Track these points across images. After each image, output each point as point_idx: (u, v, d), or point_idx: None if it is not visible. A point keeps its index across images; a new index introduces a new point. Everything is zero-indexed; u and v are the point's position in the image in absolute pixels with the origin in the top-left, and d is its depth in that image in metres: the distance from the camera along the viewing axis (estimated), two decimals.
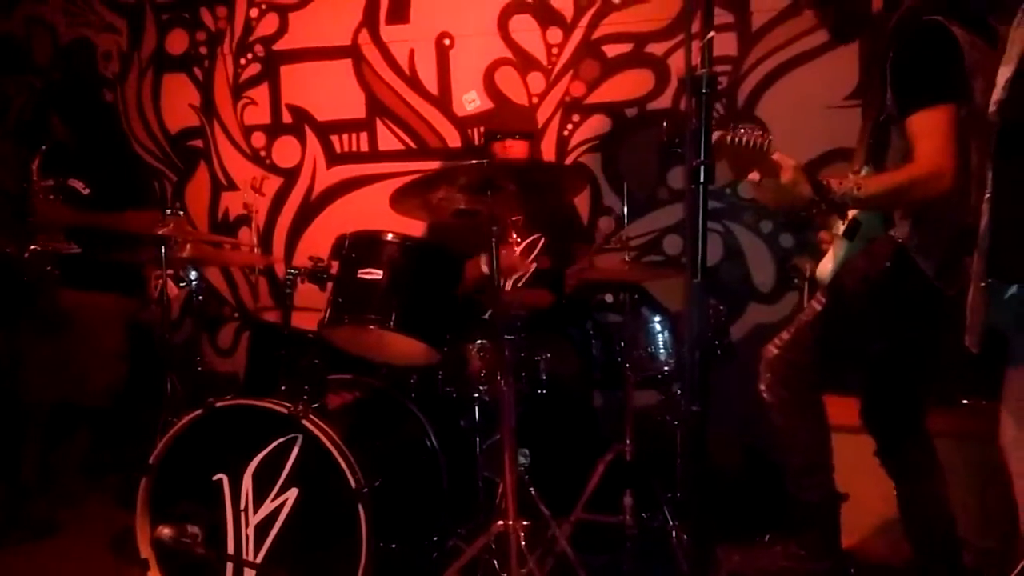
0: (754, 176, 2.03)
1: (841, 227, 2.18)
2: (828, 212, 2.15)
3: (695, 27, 1.45)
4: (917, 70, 1.99)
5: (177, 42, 4.18)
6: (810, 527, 2.29)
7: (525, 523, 2.21)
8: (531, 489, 2.52)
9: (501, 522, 2.20)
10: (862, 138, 2.20)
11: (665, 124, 1.62)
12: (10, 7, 4.37)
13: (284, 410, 2.17)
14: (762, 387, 2.30)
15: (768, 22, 3.54)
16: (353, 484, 2.09)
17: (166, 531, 2.05)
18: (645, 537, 2.66)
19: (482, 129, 3.77)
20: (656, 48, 3.66)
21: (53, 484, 3.44)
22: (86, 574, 2.71)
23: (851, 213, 2.14)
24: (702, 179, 1.36)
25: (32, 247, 3.19)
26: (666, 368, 2.80)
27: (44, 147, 3.31)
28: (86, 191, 3.38)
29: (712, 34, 1.41)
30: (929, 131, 1.92)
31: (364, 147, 4.02)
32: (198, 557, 2.10)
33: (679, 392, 2.73)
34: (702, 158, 1.36)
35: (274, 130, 4.11)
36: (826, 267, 2.23)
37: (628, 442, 2.70)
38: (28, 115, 4.26)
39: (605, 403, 3.23)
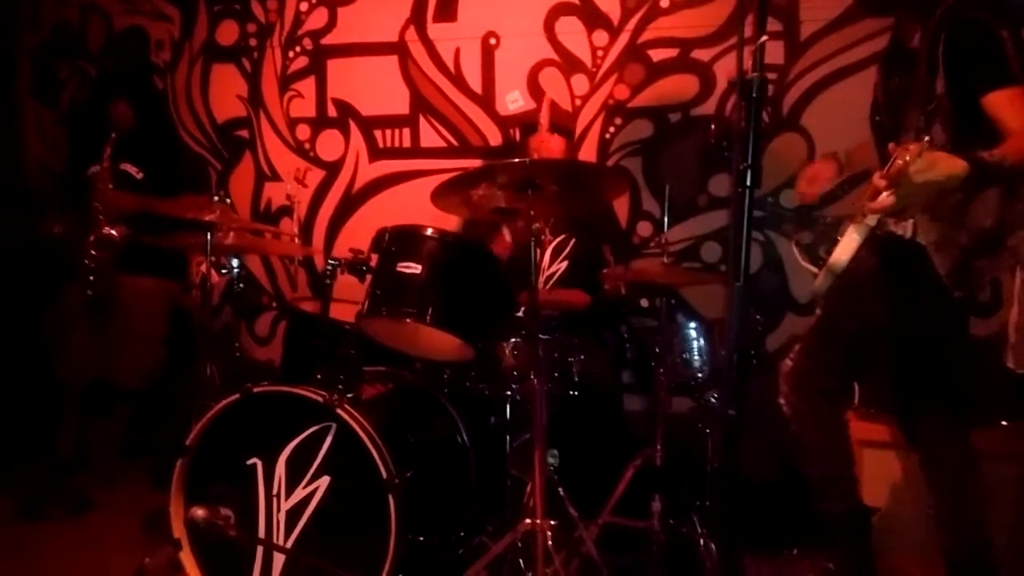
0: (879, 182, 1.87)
1: (870, 222, 2.14)
2: (978, 187, 2.01)
3: (745, 32, 1.44)
4: (984, 53, 1.95)
5: (228, 33, 4.24)
6: (837, 540, 2.27)
7: (552, 523, 2.21)
8: (559, 489, 2.51)
9: (528, 521, 2.20)
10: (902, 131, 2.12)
11: (713, 126, 1.62)
12: None
13: (319, 398, 2.19)
14: (781, 400, 2.30)
15: (816, 32, 3.52)
16: (384, 475, 2.10)
17: (199, 512, 2.08)
18: (672, 543, 2.64)
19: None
20: (702, 54, 3.64)
21: (90, 462, 3.52)
22: (120, 551, 2.75)
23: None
24: (748, 182, 1.35)
25: (100, 232, 3.25)
26: (699, 375, 2.79)
27: (114, 134, 3.36)
28: (139, 176, 3.44)
29: (765, 38, 1.41)
30: (1018, 106, 1.89)
31: (406, 143, 4.05)
32: (230, 539, 2.12)
33: (712, 399, 2.72)
34: (749, 161, 1.36)
35: (319, 123, 4.16)
36: (840, 257, 2.20)
37: (659, 447, 2.69)
38: (82, 100, 4.36)
39: (636, 407, 3.22)
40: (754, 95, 1.40)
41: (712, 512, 2.54)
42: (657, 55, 3.71)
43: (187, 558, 2.28)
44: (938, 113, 2.01)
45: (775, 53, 3.51)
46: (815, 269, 2.29)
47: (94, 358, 3.42)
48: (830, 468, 2.27)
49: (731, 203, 1.42)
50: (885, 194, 1.69)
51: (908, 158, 1.60)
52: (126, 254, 3.37)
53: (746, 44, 1.43)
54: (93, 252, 3.30)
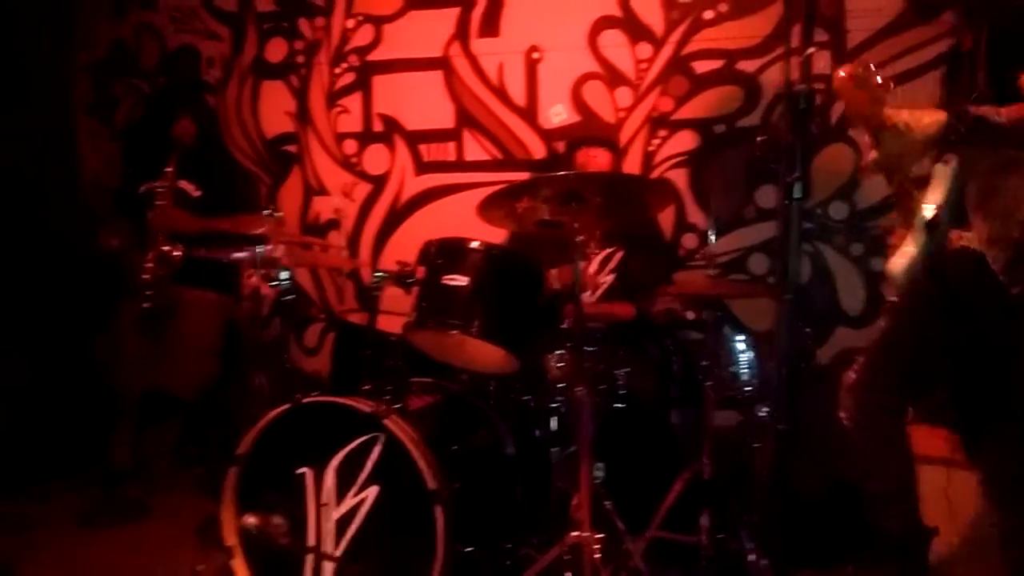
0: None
1: (927, 214, 2.10)
2: (962, 142, 2.02)
3: (791, 42, 1.44)
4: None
5: (276, 50, 4.33)
6: (894, 558, 2.22)
7: (599, 536, 2.21)
8: (606, 502, 2.51)
9: (575, 533, 2.20)
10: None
11: (760, 138, 1.61)
12: (123, 14, 4.60)
13: (367, 409, 2.22)
14: (842, 413, 2.26)
15: (863, 42, 3.48)
16: (432, 485, 2.12)
17: (251, 520, 2.12)
18: (721, 559, 2.61)
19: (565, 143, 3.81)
20: (747, 65, 3.63)
21: (145, 470, 3.60)
22: (173, 558, 2.81)
23: (935, 204, 2.05)
24: (797, 194, 1.35)
25: (160, 249, 3.34)
26: (748, 389, 2.76)
27: (177, 151, 3.45)
28: (197, 194, 3.52)
29: (813, 50, 1.41)
30: None
31: (451, 156, 4.09)
32: (281, 547, 2.16)
33: (761, 413, 2.69)
34: (797, 173, 1.35)
35: (365, 138, 4.22)
36: (898, 264, 2.15)
37: (706, 461, 2.67)
38: (136, 117, 4.49)
39: (683, 421, 3.19)
40: (802, 106, 1.40)
41: (762, 527, 2.51)
42: (701, 67, 3.70)
43: (239, 565, 2.32)
44: (981, 103, 1.98)
45: (822, 63, 3.47)
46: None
47: (148, 369, 3.51)
48: (891, 486, 2.23)
49: (779, 215, 1.41)
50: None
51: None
52: (184, 268, 3.45)
53: (793, 55, 1.43)
54: (151, 268, 3.39)
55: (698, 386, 2.74)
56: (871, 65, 1.82)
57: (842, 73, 1.76)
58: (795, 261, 1.34)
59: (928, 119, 1.82)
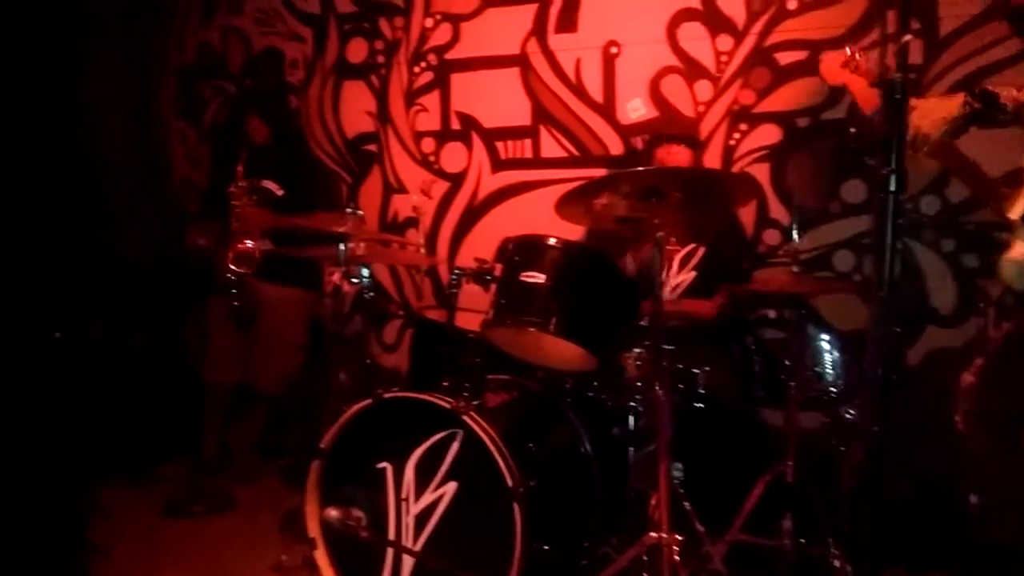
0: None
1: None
2: (980, 117, 1.99)
3: (877, 33, 1.39)
4: None
5: (357, 51, 4.40)
6: (1003, 567, 2.12)
7: (679, 537, 2.18)
8: (685, 504, 2.47)
9: (654, 534, 2.17)
10: None
11: (852, 130, 1.57)
12: (209, 17, 4.74)
13: (446, 405, 2.23)
14: (957, 417, 2.17)
15: (956, 29, 3.33)
16: (510, 482, 2.12)
17: (333, 513, 2.15)
18: (804, 563, 2.55)
19: (646, 137, 3.75)
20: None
21: (231, 462, 3.72)
22: (258, 548, 2.89)
23: None
24: (893, 187, 1.29)
25: (239, 247, 3.44)
26: (833, 389, 2.68)
27: (245, 150, 3.56)
28: (280, 192, 3.62)
29: (908, 37, 1.35)
30: None
31: (528, 153, 4.09)
32: (362, 540, 2.19)
33: (848, 415, 2.60)
34: (893, 165, 1.30)
35: (443, 136, 4.25)
36: (1012, 262, 2.05)
37: (790, 463, 2.60)
38: (223, 119, 4.62)
39: (765, 422, 3.12)
40: (897, 96, 1.34)
41: (848, 531, 2.44)
42: (784, 58, 3.60)
43: (321, 557, 2.37)
44: None
45: (914, 51, 3.34)
46: None
47: (238, 364, 3.63)
48: (1006, 494, 2.13)
49: (873, 209, 1.36)
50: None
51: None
52: (270, 266, 3.55)
53: (877, 44, 1.38)
54: (233, 266, 3.49)
55: (781, 386, 2.67)
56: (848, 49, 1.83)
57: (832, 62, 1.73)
58: (890, 257, 1.29)
59: (955, 100, 1.81)
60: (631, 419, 2.71)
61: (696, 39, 3.74)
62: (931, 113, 1.87)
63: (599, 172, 3.80)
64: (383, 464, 2.31)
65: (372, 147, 4.39)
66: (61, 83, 3.93)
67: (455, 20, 4.19)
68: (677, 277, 3.23)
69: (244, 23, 4.66)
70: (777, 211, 3.63)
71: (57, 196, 3.72)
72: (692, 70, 3.76)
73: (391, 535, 2.28)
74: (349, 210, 2.82)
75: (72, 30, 4.07)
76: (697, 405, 2.76)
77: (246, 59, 4.66)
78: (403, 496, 2.28)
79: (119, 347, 3.81)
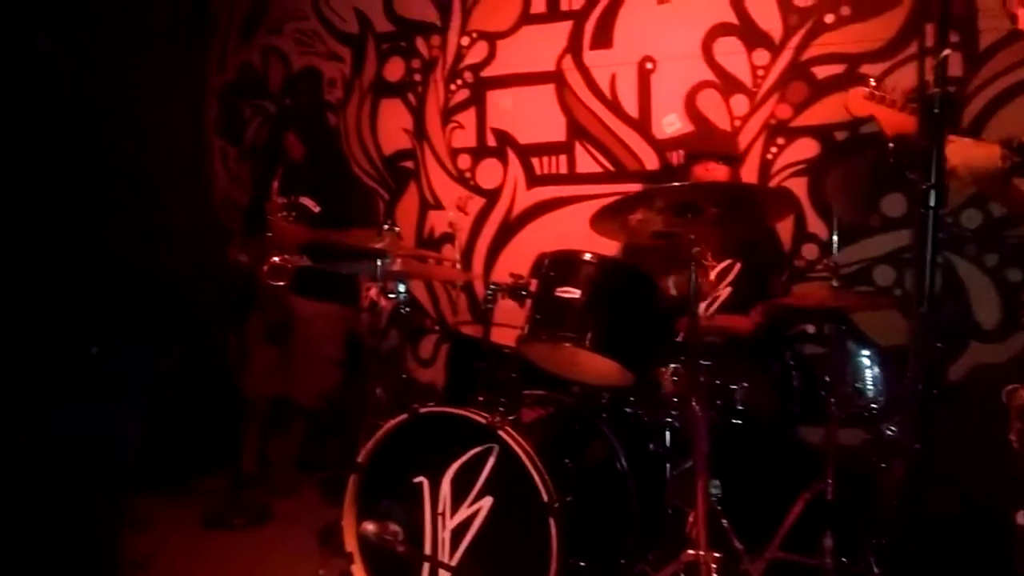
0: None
1: None
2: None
3: (915, 46, 1.38)
4: None
5: (394, 70, 4.45)
6: None
7: (717, 555, 2.16)
8: (723, 521, 2.45)
9: (692, 551, 2.16)
10: None
11: (892, 145, 1.55)
12: (249, 37, 4.84)
13: (482, 420, 2.24)
14: (1012, 436, 2.12)
15: (996, 42, 3.29)
16: (545, 498, 2.12)
17: (370, 527, 2.17)
18: None
19: (682, 152, 3.75)
20: (871, 69, 3.48)
21: (269, 475, 3.76)
22: (296, 561, 2.91)
23: None
24: (932, 203, 1.28)
25: (271, 260, 3.50)
26: (874, 406, 2.64)
27: (281, 168, 3.63)
28: (316, 209, 3.67)
29: (947, 52, 1.34)
30: None
31: (563, 169, 4.10)
32: (398, 555, 2.21)
33: (889, 431, 2.56)
34: (932, 181, 1.29)
35: (479, 152, 4.28)
36: None
37: (830, 480, 2.56)
38: (263, 137, 4.71)
39: (804, 439, 3.08)
40: (936, 111, 1.33)
41: (890, 550, 2.39)
42: (822, 72, 3.58)
43: (358, 571, 2.39)
44: None
45: (953, 64, 3.30)
46: None
47: (277, 378, 3.67)
48: None
49: (911, 224, 1.35)
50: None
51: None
52: (307, 281, 3.60)
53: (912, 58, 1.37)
54: (268, 280, 3.55)
55: (820, 402, 2.64)
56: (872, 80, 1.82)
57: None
58: (930, 272, 1.27)
59: (992, 150, 1.80)
60: (667, 435, 2.69)
61: (732, 54, 3.73)
62: (967, 154, 1.85)
63: (634, 187, 3.80)
64: (419, 479, 2.32)
65: (409, 164, 4.44)
66: (115, 104, 4.02)
67: (491, 38, 4.22)
68: (714, 292, 3.21)
69: (284, 43, 4.75)
70: (815, 225, 3.60)
71: (104, 213, 3.81)
72: (728, 84, 3.75)
73: (427, 550, 2.29)
74: (386, 226, 2.85)
75: (123, 51, 4.17)
76: (735, 421, 2.74)
77: (285, 78, 4.74)
78: (439, 511, 2.29)
79: (161, 362, 3.88)
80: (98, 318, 3.52)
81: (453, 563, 2.25)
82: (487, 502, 2.23)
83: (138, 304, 3.80)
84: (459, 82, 4.30)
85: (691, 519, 2.30)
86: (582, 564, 2.32)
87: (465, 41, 4.28)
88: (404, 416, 2.36)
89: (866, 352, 2.66)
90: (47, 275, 3.30)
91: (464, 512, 2.26)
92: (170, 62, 4.64)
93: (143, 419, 3.30)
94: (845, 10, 3.53)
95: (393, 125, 4.46)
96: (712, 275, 3.25)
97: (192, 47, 4.85)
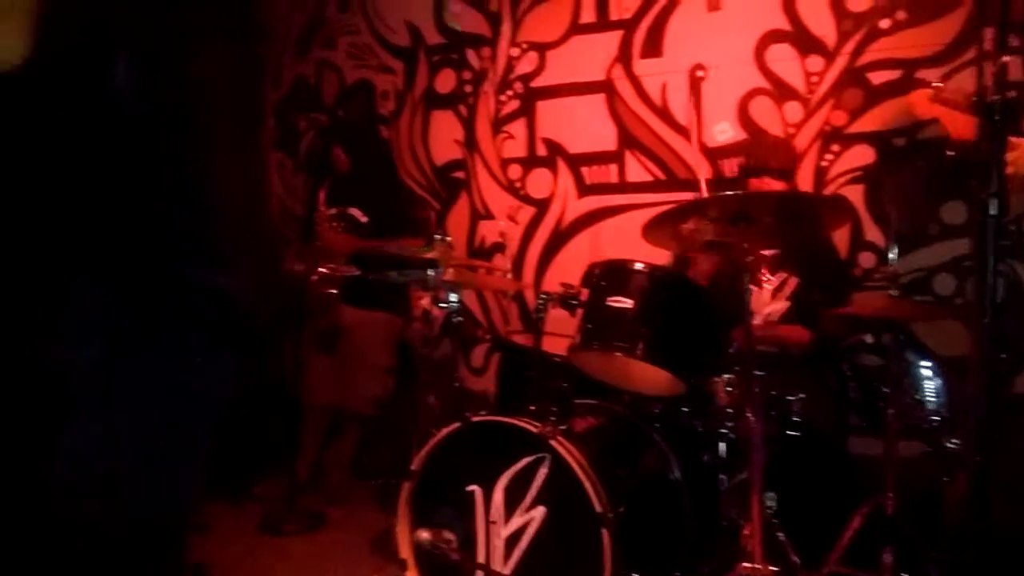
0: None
1: None
2: None
3: (974, 51, 1.36)
4: None
5: (445, 81, 4.51)
6: None
7: (773, 569, 2.13)
8: (780, 534, 2.41)
9: (747, 565, 2.13)
10: None
11: (950, 152, 1.53)
12: (304, 52, 4.94)
13: (534, 429, 2.25)
14: None
15: None
16: (599, 508, 2.12)
17: (424, 535, 2.19)
18: None
19: (735, 161, 3.71)
20: (928, 74, 3.40)
21: (324, 482, 3.81)
22: (350, 567, 2.95)
23: None
24: (992, 212, 1.26)
25: (319, 270, 3.57)
26: (935, 418, 2.58)
27: (329, 179, 3.70)
28: (364, 219, 3.73)
29: (1006, 58, 1.31)
30: None
31: (613, 178, 4.10)
32: (452, 562, 2.22)
33: (951, 444, 2.50)
34: (993, 188, 1.26)
35: (529, 162, 4.30)
36: None
37: (890, 494, 2.51)
38: (316, 149, 4.80)
39: (862, 451, 3.03)
40: (997, 118, 1.31)
41: (952, 566, 2.33)
42: (877, 77, 3.52)
43: None
44: None
45: (1014, 69, 3.21)
46: None
47: (333, 386, 3.74)
48: None
49: (971, 232, 1.33)
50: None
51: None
52: (356, 290, 3.66)
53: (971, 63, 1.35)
54: (318, 289, 3.61)
55: (879, 414, 2.58)
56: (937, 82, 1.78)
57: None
58: (992, 281, 1.25)
59: None
60: (722, 446, 2.67)
61: (785, 60, 3.69)
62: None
63: (686, 196, 3.78)
64: (472, 487, 2.34)
65: (460, 174, 4.48)
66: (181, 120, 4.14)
67: (541, 48, 4.25)
68: (770, 306, 3.16)
69: (337, 57, 4.84)
70: (872, 233, 3.53)
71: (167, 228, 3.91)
72: (781, 91, 3.71)
73: (480, 558, 2.30)
74: (438, 236, 2.89)
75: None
76: (791, 433, 2.70)
77: (339, 91, 4.83)
78: (492, 519, 2.30)
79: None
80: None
81: (506, 572, 2.26)
82: (540, 511, 2.24)
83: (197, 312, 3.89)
84: (509, 92, 4.33)
85: (746, 532, 2.27)
86: (634, 575, 2.31)
87: (515, 52, 4.31)
88: (457, 424, 2.38)
89: (926, 363, 2.61)
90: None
91: (517, 521, 2.26)
92: (226, 80, 4.76)
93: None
94: (901, 15, 3.46)
95: (444, 136, 4.51)
96: (766, 291, 3.21)
97: (249, 64, 4.96)
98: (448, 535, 2.22)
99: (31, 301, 0.86)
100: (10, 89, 0.76)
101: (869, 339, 2.98)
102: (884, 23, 3.49)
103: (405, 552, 2.41)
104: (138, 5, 0.87)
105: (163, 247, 0.92)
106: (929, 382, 2.58)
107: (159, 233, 0.91)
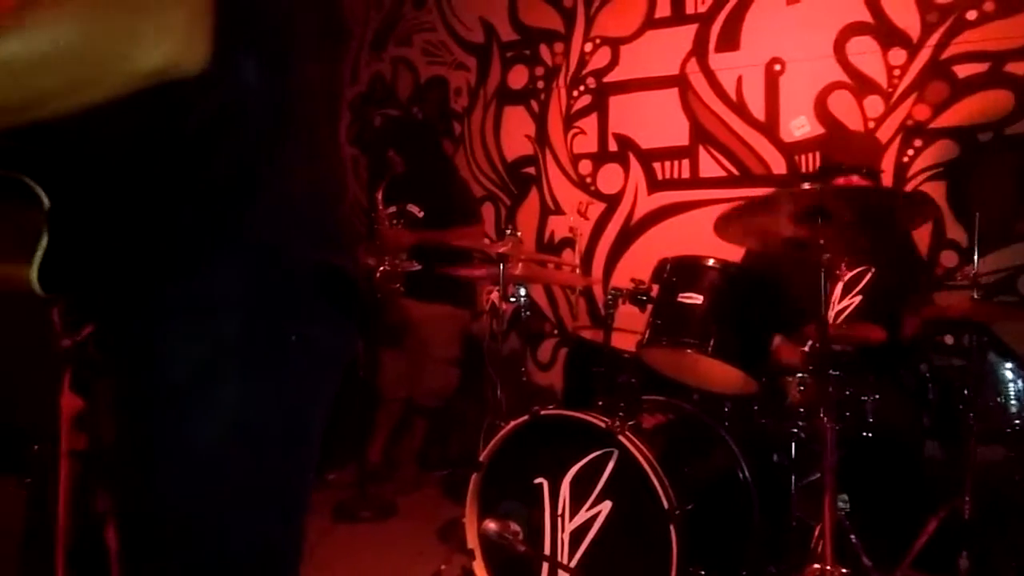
0: None
1: None
2: None
3: None
4: None
5: (518, 77, 4.54)
6: None
7: (844, 571, 2.09)
8: (851, 536, 2.36)
9: (817, 566, 2.10)
10: None
11: None
12: (380, 49, 5.03)
13: (602, 424, 2.25)
14: None
15: None
16: (666, 504, 2.11)
17: (492, 526, 2.21)
18: None
19: (815, 156, 3.64)
20: (1017, 67, 3.29)
21: (394, 471, 3.89)
22: (419, 555, 3.00)
23: None
24: None
25: (381, 267, 3.64)
26: (1017, 422, 2.50)
27: (386, 178, 3.77)
28: (420, 214, 3.80)
29: None
30: None
31: (685, 174, 4.06)
32: (518, 554, 2.24)
33: None
34: None
35: (600, 158, 4.30)
36: None
37: (967, 499, 2.44)
38: (371, 151, 4.89)
39: (939, 454, 2.94)
40: None
41: None
42: (963, 71, 3.41)
43: (479, 568, 2.44)
44: None
45: None
46: None
47: (403, 380, 3.81)
48: None
49: None
50: None
51: None
52: (424, 284, 3.71)
53: None
54: (381, 284, 3.68)
55: (958, 417, 2.51)
56: None
57: None
58: None
59: None
60: (793, 446, 2.62)
61: (866, 53, 3.61)
62: None
63: (759, 191, 3.72)
64: (539, 480, 2.35)
65: (530, 170, 4.50)
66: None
67: (614, 43, 4.23)
68: (843, 301, 3.10)
69: (412, 54, 4.91)
70: (955, 231, 3.42)
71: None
72: (862, 85, 3.62)
73: (547, 551, 2.31)
74: (508, 232, 2.91)
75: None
76: (865, 434, 2.64)
77: (414, 88, 4.90)
78: (559, 512, 2.31)
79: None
80: None
81: (572, 564, 2.27)
82: (606, 506, 2.24)
83: None
84: (581, 88, 4.33)
85: (817, 533, 2.23)
86: (702, 572, 2.30)
87: (588, 47, 4.31)
88: (525, 418, 2.40)
89: (1009, 365, 2.53)
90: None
91: (583, 515, 2.27)
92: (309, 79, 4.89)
93: None
94: (989, 5, 3.34)
95: (516, 131, 4.54)
96: (841, 283, 3.13)
97: (330, 62, 5.09)
98: (515, 527, 2.24)
99: (177, 276, 0.92)
100: (189, 92, 0.81)
101: (949, 340, 2.88)
102: (971, 14, 3.38)
103: (472, 542, 2.44)
104: (265, 8, 0.93)
105: (289, 228, 0.99)
106: (1012, 385, 2.50)
107: (286, 216, 0.98)
